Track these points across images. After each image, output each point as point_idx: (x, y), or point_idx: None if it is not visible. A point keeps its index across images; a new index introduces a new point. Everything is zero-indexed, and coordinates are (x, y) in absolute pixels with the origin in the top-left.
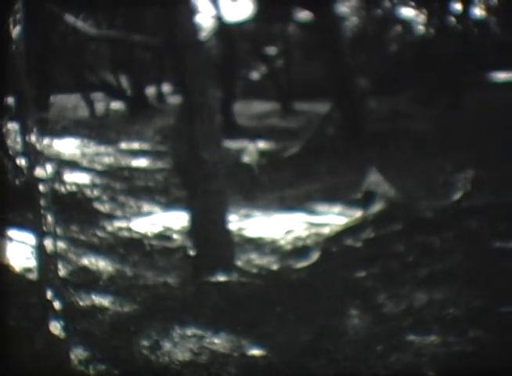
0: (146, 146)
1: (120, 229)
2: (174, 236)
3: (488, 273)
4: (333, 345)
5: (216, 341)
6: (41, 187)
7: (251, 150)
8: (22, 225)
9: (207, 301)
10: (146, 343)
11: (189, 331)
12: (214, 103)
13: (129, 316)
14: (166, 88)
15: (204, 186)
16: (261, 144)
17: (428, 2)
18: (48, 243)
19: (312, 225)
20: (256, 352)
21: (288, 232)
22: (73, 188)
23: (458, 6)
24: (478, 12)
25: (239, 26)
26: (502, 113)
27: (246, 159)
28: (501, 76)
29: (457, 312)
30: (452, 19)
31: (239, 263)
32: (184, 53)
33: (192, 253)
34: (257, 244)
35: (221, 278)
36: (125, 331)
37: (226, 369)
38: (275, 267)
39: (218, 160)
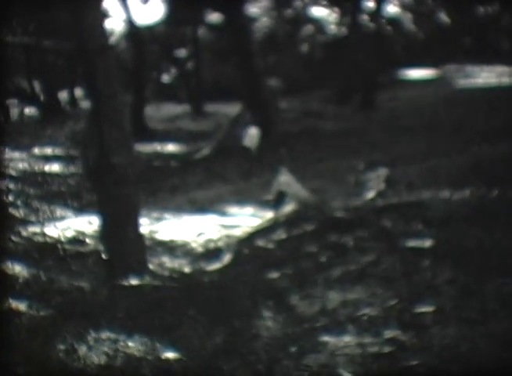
0: (58, 151)
1: (35, 234)
2: (87, 240)
3: (402, 273)
4: (247, 347)
5: (130, 344)
6: None
7: (252, 133)
8: None
9: (120, 304)
10: (62, 347)
11: (104, 335)
12: (124, 107)
13: (45, 320)
14: (78, 92)
15: (115, 190)
16: (172, 147)
17: (340, 1)
18: None
19: (224, 227)
20: (170, 355)
21: (200, 234)
22: None
23: (371, 4)
24: (391, 9)
25: (150, 29)
26: (415, 112)
27: (246, 142)
28: (414, 74)
29: (372, 312)
30: (365, 17)
31: (151, 266)
32: (93, 57)
33: (104, 257)
34: (169, 247)
35: (134, 281)
36: (41, 335)
37: (141, 372)
38: (187, 270)
39: (129, 163)
